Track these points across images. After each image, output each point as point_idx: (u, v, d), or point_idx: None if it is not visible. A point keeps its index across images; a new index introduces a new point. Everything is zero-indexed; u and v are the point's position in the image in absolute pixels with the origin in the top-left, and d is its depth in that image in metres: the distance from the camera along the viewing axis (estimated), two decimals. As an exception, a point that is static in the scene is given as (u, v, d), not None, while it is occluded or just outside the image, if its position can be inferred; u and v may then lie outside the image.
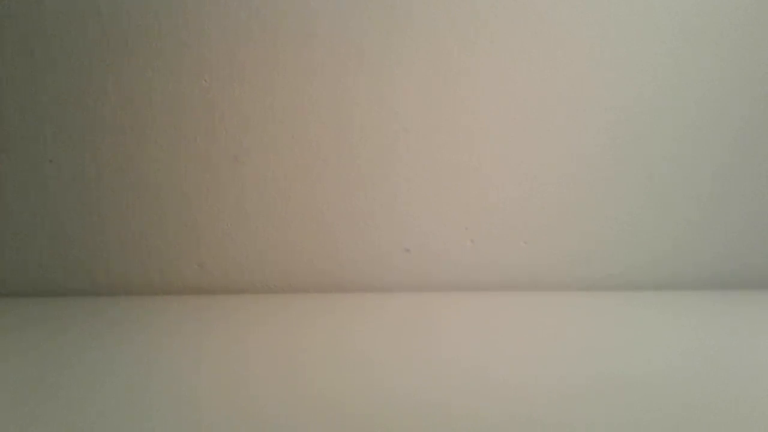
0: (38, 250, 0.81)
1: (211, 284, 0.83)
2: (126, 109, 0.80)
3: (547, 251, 0.87)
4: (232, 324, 0.69)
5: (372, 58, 0.81)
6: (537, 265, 0.87)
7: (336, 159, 0.83)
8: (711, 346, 0.63)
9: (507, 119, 0.84)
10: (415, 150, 0.83)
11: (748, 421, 0.45)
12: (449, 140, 0.84)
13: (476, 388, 0.50)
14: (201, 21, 0.79)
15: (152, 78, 0.79)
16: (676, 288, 0.88)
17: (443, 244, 0.85)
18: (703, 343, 0.64)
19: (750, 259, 0.89)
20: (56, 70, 0.78)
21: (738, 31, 0.85)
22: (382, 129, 0.83)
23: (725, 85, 0.86)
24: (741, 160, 0.88)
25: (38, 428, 0.42)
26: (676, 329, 0.69)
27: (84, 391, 0.49)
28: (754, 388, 0.51)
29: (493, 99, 0.83)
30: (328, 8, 0.80)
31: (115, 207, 0.81)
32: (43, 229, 0.80)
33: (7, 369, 0.54)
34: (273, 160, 0.82)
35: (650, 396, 0.48)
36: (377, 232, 0.84)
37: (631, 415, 0.45)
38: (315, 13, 0.80)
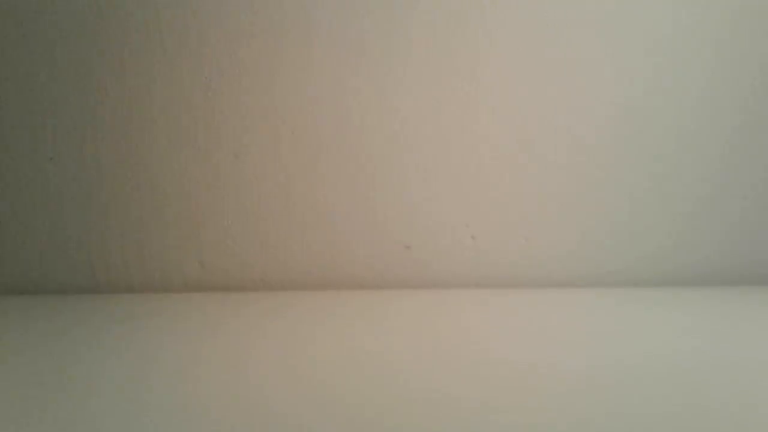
0: (39, 248, 0.81)
1: (211, 282, 0.83)
2: (126, 107, 0.80)
3: (547, 247, 0.86)
4: (233, 321, 0.69)
5: (372, 54, 0.81)
6: (538, 262, 0.87)
7: (336, 156, 0.83)
8: (713, 343, 0.63)
9: (508, 115, 0.84)
10: (415, 147, 0.83)
11: (749, 418, 0.45)
12: (450, 136, 0.84)
13: (477, 386, 0.50)
14: (201, 17, 0.79)
15: (152, 75, 0.79)
16: (677, 285, 0.88)
17: (444, 241, 0.85)
18: (705, 340, 0.64)
19: (751, 256, 0.89)
20: (56, 68, 0.78)
21: (738, 22, 0.85)
22: (383, 126, 0.83)
23: (724, 80, 0.86)
24: (741, 156, 0.88)
25: (38, 426, 0.42)
26: (677, 326, 0.69)
27: (84, 388, 0.49)
28: (756, 384, 0.51)
29: (494, 95, 0.83)
30: (328, 5, 0.80)
31: (115, 205, 0.81)
32: (43, 227, 0.80)
33: (7, 367, 0.54)
34: (273, 158, 0.82)
35: (651, 393, 0.48)
36: (378, 229, 0.84)
37: (632, 412, 0.45)
38: (316, 10, 0.80)
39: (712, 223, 0.88)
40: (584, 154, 0.85)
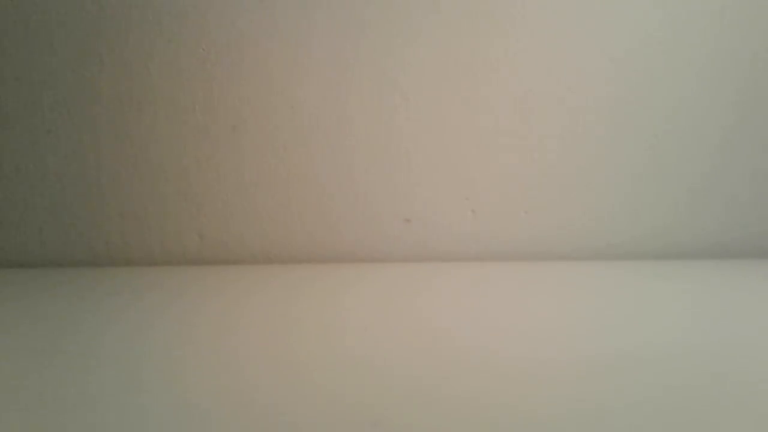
0: (37, 221, 0.81)
1: (211, 255, 0.83)
2: (123, 80, 0.79)
3: (547, 221, 0.86)
4: (232, 294, 0.69)
5: (373, 28, 0.81)
6: (537, 235, 0.87)
7: (335, 129, 0.82)
8: (714, 316, 0.63)
9: (508, 90, 0.83)
10: (415, 120, 0.83)
11: (752, 391, 0.44)
12: (450, 110, 0.83)
13: (476, 359, 0.50)
14: (198, -11, 0.78)
15: (149, 48, 0.79)
16: (677, 257, 0.88)
17: (444, 215, 0.85)
18: (705, 313, 0.64)
19: (752, 229, 0.89)
20: (52, 40, 0.78)
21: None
22: (383, 99, 0.82)
23: (727, 53, 0.85)
24: (743, 129, 0.87)
25: (37, 398, 0.42)
26: (678, 299, 0.69)
27: (83, 360, 0.49)
28: (758, 357, 0.51)
29: (494, 69, 0.83)
30: (326, -25, 0.79)
31: (114, 178, 0.81)
32: (42, 200, 0.80)
33: (7, 339, 0.54)
34: (272, 131, 0.82)
35: (652, 368, 0.48)
36: (377, 203, 0.84)
37: (634, 387, 0.45)
38: (313, -18, 0.79)
39: (713, 197, 0.88)
40: (584, 128, 0.85)
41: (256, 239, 0.83)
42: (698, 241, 0.89)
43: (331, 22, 0.80)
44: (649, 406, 0.41)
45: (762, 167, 0.88)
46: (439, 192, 0.84)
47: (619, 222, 0.87)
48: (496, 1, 0.81)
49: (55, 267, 0.81)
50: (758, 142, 0.87)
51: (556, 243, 0.87)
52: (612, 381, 0.45)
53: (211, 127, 0.81)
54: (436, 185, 0.84)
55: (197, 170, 0.81)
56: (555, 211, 0.86)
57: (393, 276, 0.78)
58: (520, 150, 0.84)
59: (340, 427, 0.37)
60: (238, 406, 0.40)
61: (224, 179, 0.82)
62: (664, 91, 0.85)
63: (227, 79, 0.80)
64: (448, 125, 0.83)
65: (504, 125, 0.84)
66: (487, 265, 0.84)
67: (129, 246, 0.82)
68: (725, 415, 0.40)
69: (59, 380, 0.44)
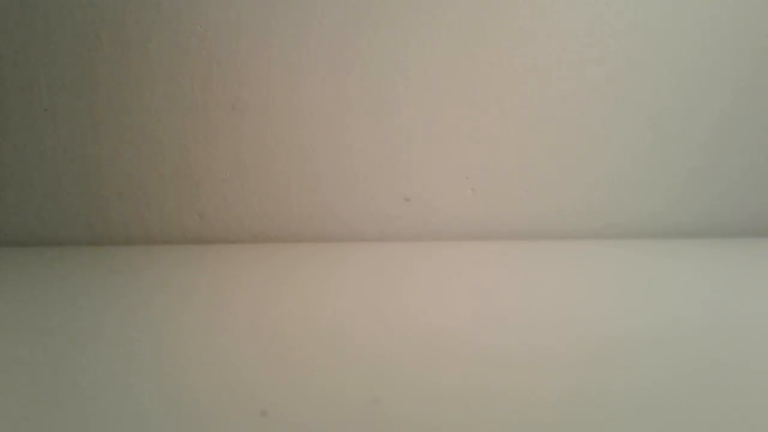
0: (36, 201, 0.80)
1: (211, 234, 0.83)
2: (121, 58, 0.78)
3: (547, 200, 0.86)
4: (231, 273, 0.69)
5: (373, 7, 0.80)
6: (538, 214, 0.86)
7: (335, 109, 0.82)
8: (712, 294, 0.63)
9: (508, 68, 0.83)
10: (415, 99, 0.82)
11: (751, 370, 0.45)
12: (450, 89, 0.82)
13: (474, 338, 0.50)
14: (196, -35, 0.77)
15: (148, 26, 0.78)
16: (677, 237, 0.88)
17: (444, 194, 0.85)
18: (704, 292, 0.64)
19: (751, 208, 0.89)
20: (48, 19, 0.77)
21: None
22: (382, 78, 0.82)
23: (727, 32, 0.84)
24: (743, 108, 0.87)
25: (36, 375, 0.42)
26: (677, 278, 0.69)
27: (83, 338, 0.49)
28: (757, 335, 0.51)
29: (494, 48, 0.82)
30: (325, -49, 0.78)
31: (113, 157, 0.80)
32: (40, 179, 0.80)
33: (6, 318, 0.54)
34: (271, 110, 0.81)
35: (653, 347, 0.48)
36: (377, 182, 0.84)
37: (635, 368, 0.45)
38: (312, -41, 0.78)
39: (712, 176, 0.88)
40: (584, 106, 0.84)
41: (256, 218, 0.83)
42: (697, 220, 0.89)
43: (331, 0, 0.79)
44: (649, 386, 0.41)
45: (761, 147, 0.88)
46: (439, 171, 0.84)
47: (618, 201, 0.87)
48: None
49: (55, 246, 0.81)
50: (758, 122, 0.87)
51: (556, 222, 0.87)
52: (613, 361, 0.45)
53: (210, 107, 0.80)
54: (436, 164, 0.84)
55: (196, 149, 0.81)
56: (555, 190, 0.86)
57: (393, 255, 0.78)
58: (520, 129, 0.84)
59: (341, 402, 0.38)
60: (238, 382, 0.40)
61: (223, 159, 0.81)
62: (664, 71, 0.84)
63: (226, 58, 0.79)
64: (447, 104, 0.83)
65: (504, 104, 0.83)
66: (487, 244, 0.84)
67: (129, 225, 0.82)
68: (725, 393, 0.40)
69: (59, 358, 0.45)
